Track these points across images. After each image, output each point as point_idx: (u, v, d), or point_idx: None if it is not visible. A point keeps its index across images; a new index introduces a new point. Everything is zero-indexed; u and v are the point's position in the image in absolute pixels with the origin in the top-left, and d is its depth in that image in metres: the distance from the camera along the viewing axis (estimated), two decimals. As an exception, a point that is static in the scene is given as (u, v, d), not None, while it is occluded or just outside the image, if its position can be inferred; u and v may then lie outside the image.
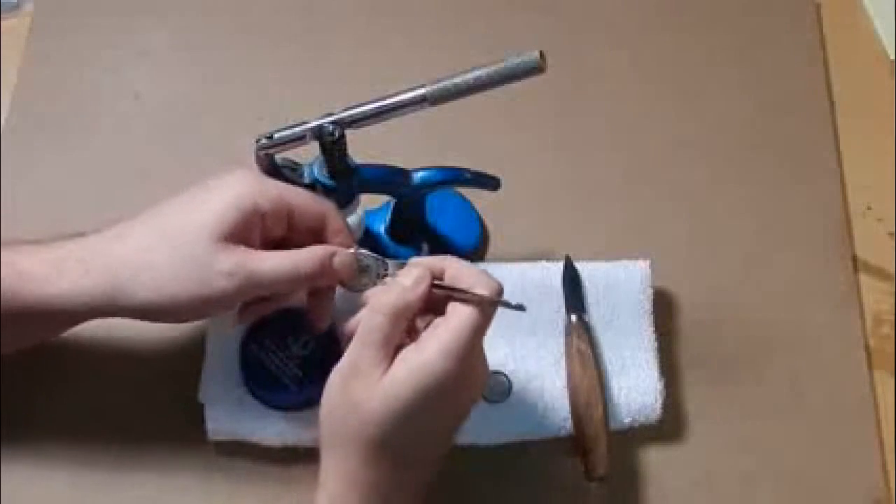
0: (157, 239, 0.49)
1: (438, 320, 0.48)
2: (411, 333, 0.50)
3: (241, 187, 0.50)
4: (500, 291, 0.48)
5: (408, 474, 0.49)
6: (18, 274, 0.49)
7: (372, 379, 0.47)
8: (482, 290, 0.48)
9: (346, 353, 0.49)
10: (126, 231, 0.51)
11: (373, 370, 0.47)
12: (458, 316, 0.47)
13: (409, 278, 0.49)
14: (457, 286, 0.48)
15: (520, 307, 0.49)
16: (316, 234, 0.53)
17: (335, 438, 0.49)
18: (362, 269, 0.53)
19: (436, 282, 0.49)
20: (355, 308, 0.51)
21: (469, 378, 0.48)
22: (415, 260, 0.51)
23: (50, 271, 0.49)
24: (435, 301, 0.49)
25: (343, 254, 0.52)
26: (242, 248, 0.49)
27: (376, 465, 0.48)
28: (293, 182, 0.55)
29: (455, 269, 0.49)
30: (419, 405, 0.46)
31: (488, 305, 0.48)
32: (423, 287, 0.48)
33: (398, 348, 0.48)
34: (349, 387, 0.48)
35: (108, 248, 0.50)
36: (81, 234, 0.52)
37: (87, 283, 0.49)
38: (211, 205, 0.49)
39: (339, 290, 0.54)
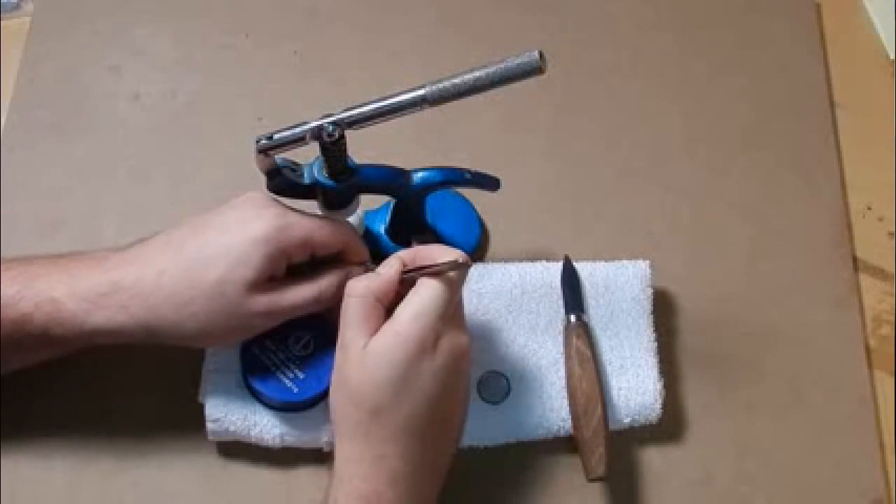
0: (194, 294, 0.51)
1: (409, 293, 0.51)
2: None
3: (266, 232, 0.51)
4: (461, 258, 0.52)
5: (411, 445, 0.50)
6: (53, 309, 0.51)
7: (356, 355, 0.50)
8: (445, 258, 0.51)
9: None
10: (159, 270, 0.52)
11: (356, 347, 0.50)
12: (424, 284, 0.51)
13: (382, 267, 0.53)
14: (424, 265, 0.52)
15: (462, 265, 0.52)
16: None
17: (339, 424, 0.51)
18: None
19: (406, 268, 0.53)
20: None
21: (445, 344, 0.51)
22: (394, 254, 0.54)
23: (87, 307, 0.51)
24: (411, 287, 0.52)
25: (357, 272, 0.56)
26: (270, 288, 0.52)
27: (376, 437, 0.50)
28: (293, 182, 0.55)
29: (423, 252, 0.53)
30: (399, 369, 0.49)
31: (451, 274, 0.51)
32: (392, 271, 0.52)
33: None
34: (341, 370, 0.51)
35: (145, 293, 0.51)
36: (104, 254, 0.53)
37: (124, 319, 0.51)
38: (240, 254, 0.51)
39: None
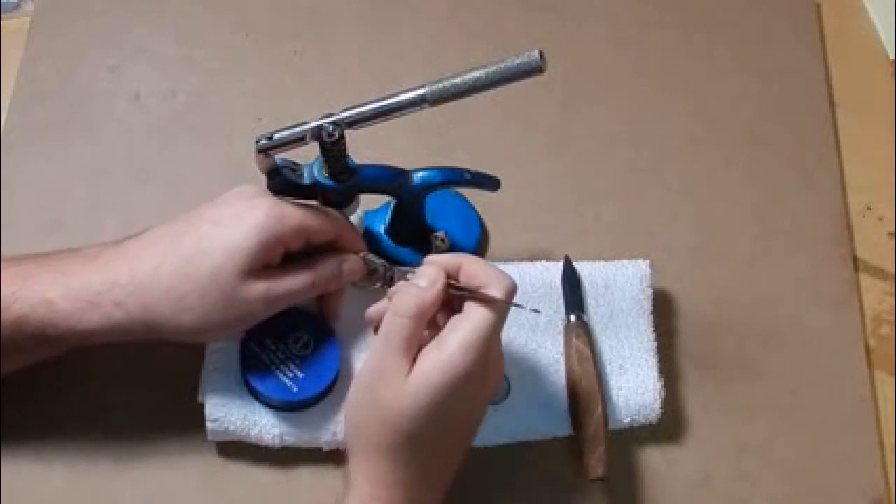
0: (190, 287, 0.51)
1: (457, 318, 0.50)
2: (431, 328, 0.52)
3: (262, 220, 0.51)
4: (513, 291, 0.51)
5: (434, 469, 0.51)
6: (48, 310, 0.51)
7: (398, 380, 0.49)
8: (496, 291, 0.50)
9: (368, 359, 0.52)
10: (154, 265, 0.51)
11: (398, 372, 0.49)
12: (476, 313, 0.50)
13: (424, 279, 0.51)
14: (472, 285, 0.51)
15: (534, 310, 0.53)
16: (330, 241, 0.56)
17: (364, 443, 0.51)
18: (371, 272, 0.57)
19: (451, 282, 0.51)
20: (362, 307, 0.56)
21: (488, 371, 0.51)
22: (431, 258, 0.54)
23: (82, 307, 0.51)
24: (451, 298, 0.52)
25: (352, 260, 0.56)
26: (267, 274, 0.52)
27: (407, 464, 0.50)
28: (293, 182, 0.55)
29: (471, 268, 0.52)
30: (445, 400, 0.49)
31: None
32: (438, 287, 0.51)
33: (419, 347, 0.51)
34: (375, 391, 0.50)
35: (140, 289, 0.51)
36: (95, 250, 0.53)
37: (120, 316, 0.51)
38: (236, 243, 0.51)
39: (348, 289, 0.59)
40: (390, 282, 0.59)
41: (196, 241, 0.52)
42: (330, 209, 0.57)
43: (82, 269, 0.52)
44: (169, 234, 0.53)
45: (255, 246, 0.51)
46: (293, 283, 0.53)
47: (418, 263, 0.54)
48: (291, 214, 0.53)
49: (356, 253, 0.57)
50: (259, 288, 0.52)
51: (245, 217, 0.52)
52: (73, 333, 0.51)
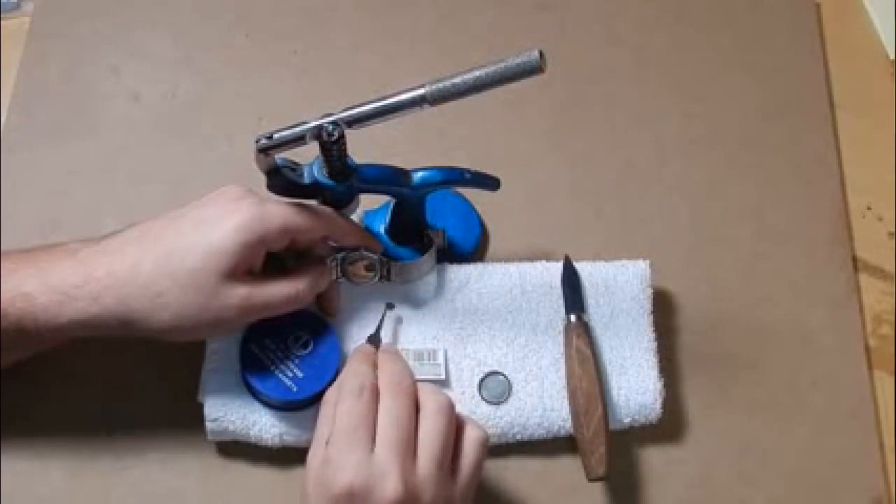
0: (168, 283, 0.51)
1: None
2: None
3: (244, 222, 0.51)
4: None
5: None
6: (26, 304, 0.51)
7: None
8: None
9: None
10: (134, 261, 0.51)
11: None
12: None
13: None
14: None
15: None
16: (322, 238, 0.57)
17: None
18: (368, 267, 0.58)
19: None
20: (361, 305, 0.59)
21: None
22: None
23: (59, 300, 0.51)
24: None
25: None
26: (248, 280, 0.53)
27: None
28: (293, 182, 0.55)
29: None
30: None
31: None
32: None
33: None
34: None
35: (118, 283, 0.51)
36: (75, 246, 0.53)
37: (97, 310, 0.51)
38: (217, 243, 0.51)
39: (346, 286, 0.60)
40: (388, 276, 0.59)
41: (178, 240, 0.52)
42: (321, 207, 0.57)
43: (60, 264, 0.52)
44: (151, 230, 0.53)
45: (236, 247, 0.51)
46: (272, 293, 0.53)
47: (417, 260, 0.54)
48: (274, 215, 0.53)
49: (355, 249, 0.57)
50: (237, 294, 0.52)
51: (227, 218, 0.52)
52: (52, 328, 0.51)
